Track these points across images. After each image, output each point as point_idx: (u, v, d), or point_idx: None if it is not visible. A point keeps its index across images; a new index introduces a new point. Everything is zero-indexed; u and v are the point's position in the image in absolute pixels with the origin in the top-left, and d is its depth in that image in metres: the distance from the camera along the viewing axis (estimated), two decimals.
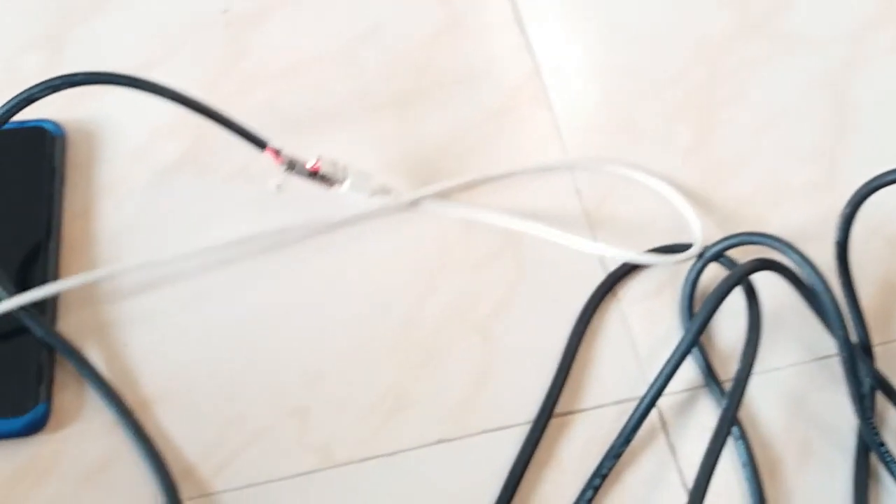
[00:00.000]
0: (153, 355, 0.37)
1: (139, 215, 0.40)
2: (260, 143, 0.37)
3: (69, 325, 0.37)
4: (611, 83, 0.45)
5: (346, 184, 0.38)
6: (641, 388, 0.36)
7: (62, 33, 0.44)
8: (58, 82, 0.34)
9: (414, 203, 0.41)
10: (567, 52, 0.46)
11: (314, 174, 0.38)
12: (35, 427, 0.35)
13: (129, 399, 0.36)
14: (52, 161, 0.40)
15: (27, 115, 0.39)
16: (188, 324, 0.38)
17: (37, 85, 0.34)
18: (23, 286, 0.37)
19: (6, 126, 0.38)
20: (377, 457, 0.36)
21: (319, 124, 0.43)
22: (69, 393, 0.36)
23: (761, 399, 0.37)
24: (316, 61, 0.45)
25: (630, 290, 0.39)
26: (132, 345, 0.37)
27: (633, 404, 0.36)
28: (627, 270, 0.39)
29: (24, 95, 0.34)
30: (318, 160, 0.38)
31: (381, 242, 0.40)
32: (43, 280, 0.37)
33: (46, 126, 0.40)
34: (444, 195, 0.41)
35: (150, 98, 0.38)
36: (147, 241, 0.39)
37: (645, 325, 0.39)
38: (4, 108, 0.35)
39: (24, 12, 0.45)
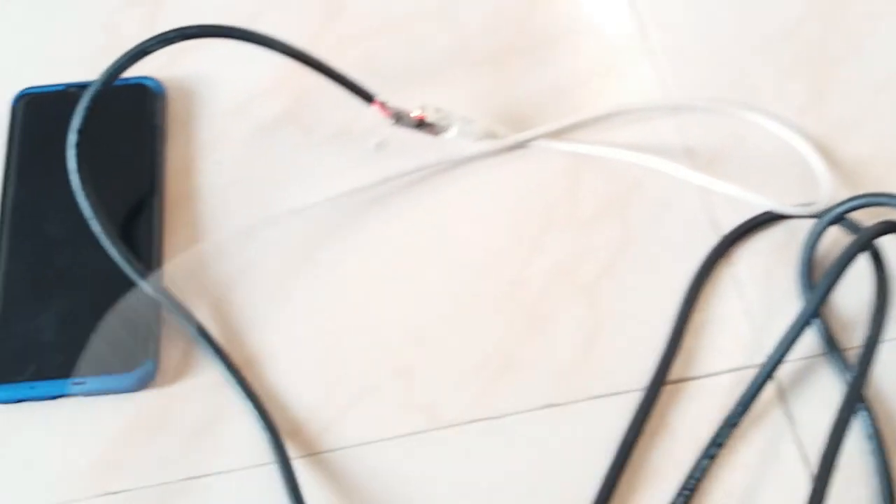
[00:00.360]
0: (258, 313, 0.37)
1: (240, 172, 0.40)
2: (367, 97, 0.37)
3: (175, 282, 0.38)
4: (719, 39, 0.43)
5: (454, 130, 0.38)
6: (757, 356, 0.35)
7: None
8: (171, 35, 0.34)
9: (520, 146, 0.40)
10: (672, 7, 0.44)
11: (421, 123, 0.37)
12: (143, 382, 0.35)
13: (236, 356, 0.36)
14: (153, 118, 0.40)
15: (129, 72, 0.39)
16: (292, 281, 0.38)
17: (150, 38, 0.34)
18: (129, 243, 0.37)
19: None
20: (484, 419, 0.35)
21: (417, 80, 0.42)
22: (176, 349, 0.36)
23: (886, 369, 0.35)
24: (413, 17, 0.44)
25: (744, 254, 0.38)
26: (237, 302, 0.37)
27: (749, 372, 0.35)
28: (741, 233, 0.38)
29: (139, 49, 0.34)
30: (422, 109, 0.37)
31: (484, 195, 0.39)
32: (148, 236, 0.38)
33: (148, 83, 0.40)
34: (552, 135, 0.40)
35: (247, 56, 0.38)
36: (249, 199, 0.39)
37: (760, 290, 0.37)
38: (119, 62, 0.35)
39: None
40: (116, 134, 0.39)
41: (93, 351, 0.35)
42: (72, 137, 0.36)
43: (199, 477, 0.34)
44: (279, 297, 0.37)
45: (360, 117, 0.40)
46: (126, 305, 0.36)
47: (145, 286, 0.36)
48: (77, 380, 0.35)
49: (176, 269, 0.38)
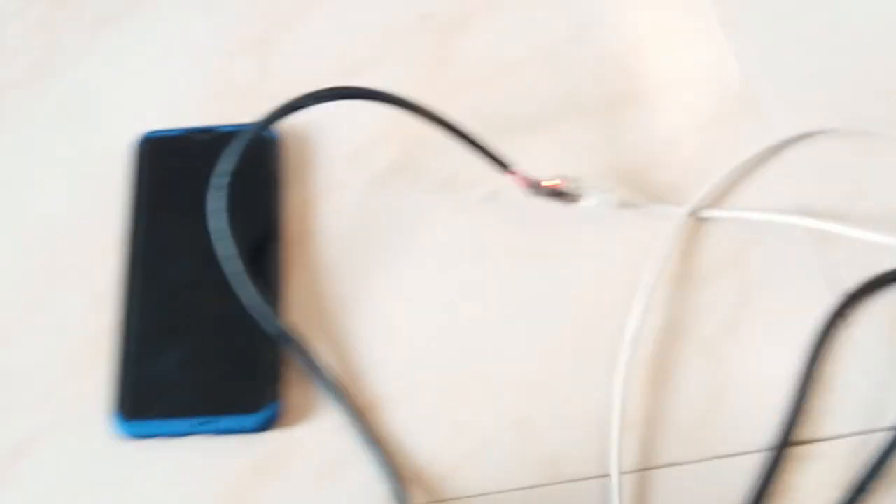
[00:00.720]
0: (379, 356, 0.38)
1: (355, 219, 0.41)
2: (504, 166, 0.37)
3: (296, 324, 0.38)
4: (831, 87, 0.44)
5: (591, 199, 0.38)
6: (883, 418, 0.35)
7: (269, 38, 0.45)
8: (323, 95, 0.35)
9: (649, 212, 0.40)
10: (778, 57, 0.45)
11: (556, 192, 0.38)
12: (268, 424, 0.36)
13: (358, 400, 0.37)
14: (269, 165, 0.41)
15: (240, 119, 0.41)
16: (412, 327, 0.38)
17: (305, 95, 0.36)
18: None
19: (223, 129, 0.40)
20: (605, 475, 0.35)
21: (526, 130, 0.43)
22: (299, 392, 0.37)
23: None
24: (520, 65, 0.45)
25: (866, 311, 0.38)
26: (358, 346, 0.38)
27: (877, 435, 0.35)
28: (863, 290, 0.38)
29: (290, 104, 0.35)
30: (558, 179, 0.38)
31: (604, 251, 0.40)
32: (270, 280, 0.38)
33: (265, 131, 0.41)
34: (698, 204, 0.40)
35: (356, 105, 0.39)
36: (365, 245, 0.40)
37: (882, 350, 0.37)
38: (275, 113, 0.36)
39: (232, 18, 0.46)
40: (235, 179, 0.40)
41: (219, 391, 0.36)
42: (223, 179, 0.37)
43: None
44: (399, 342, 0.38)
45: (466, 168, 0.41)
46: (252, 347, 0.37)
47: (273, 328, 0.37)
48: (203, 419, 0.36)
49: (296, 312, 0.38)
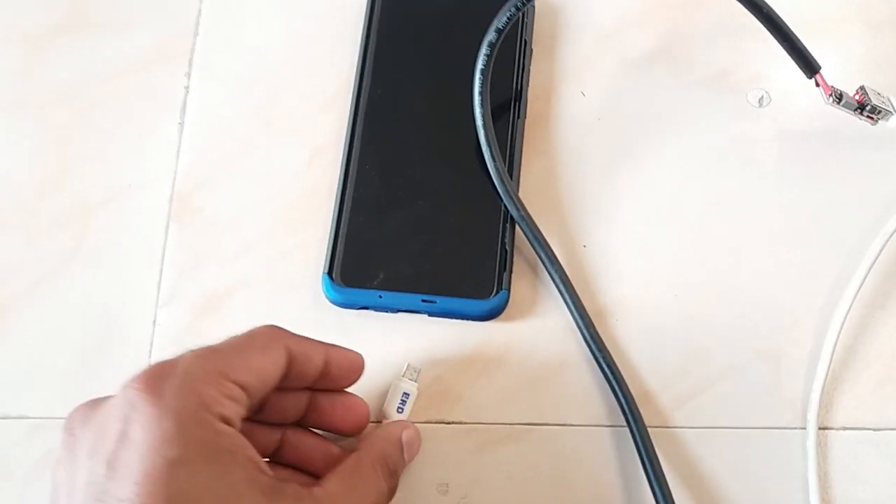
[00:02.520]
0: (614, 264, 0.34)
1: (603, 107, 0.37)
2: (812, 68, 0.32)
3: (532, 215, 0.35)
4: None
5: (895, 118, 0.33)
6: None
7: None
8: None
9: None
10: None
11: (861, 107, 0.33)
12: (494, 313, 0.33)
13: (588, 305, 0.33)
14: (524, 32, 0.37)
15: None
16: (653, 235, 0.34)
17: None
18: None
19: None
20: (860, 429, 0.32)
21: (812, 33, 0.35)
22: (526, 284, 0.34)
23: None
24: None
25: None
26: (595, 248, 0.34)
27: None
28: None
29: None
30: (860, 91, 0.33)
31: (886, 180, 0.35)
32: (510, 160, 0.35)
33: None
34: None
35: None
36: (611, 137, 0.36)
37: None
38: None
39: None
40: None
41: (449, 270, 0.33)
42: (491, 35, 0.33)
43: (538, 424, 0.32)
44: (641, 253, 0.34)
45: (738, 65, 0.37)
46: (487, 228, 0.34)
47: (516, 210, 0.33)
48: (428, 297, 0.33)
49: (531, 202, 0.34)
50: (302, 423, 0.30)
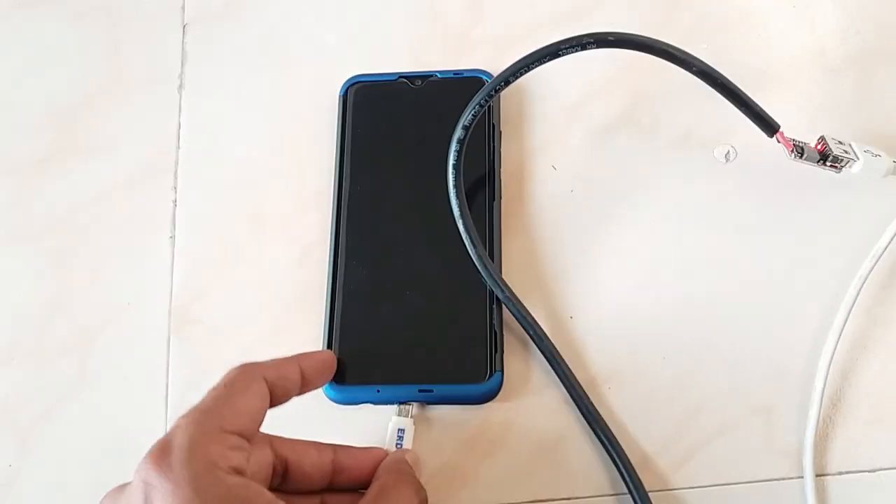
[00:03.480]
0: (600, 332, 0.35)
1: (576, 178, 0.38)
2: (770, 128, 0.33)
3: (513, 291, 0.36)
4: None
5: (857, 165, 0.34)
6: None
7: None
8: (587, 41, 0.31)
9: None
10: None
11: (823, 157, 0.34)
12: (490, 395, 0.34)
13: (580, 376, 0.34)
14: (491, 115, 0.38)
15: (463, 63, 0.39)
16: (637, 299, 0.35)
17: (565, 40, 0.32)
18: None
19: (445, 75, 0.38)
20: (856, 472, 0.32)
21: (772, 82, 0.38)
22: (518, 362, 0.35)
23: None
24: (768, 13, 0.40)
25: None
26: (580, 321, 0.35)
27: None
28: None
29: (551, 49, 0.32)
30: (821, 141, 0.34)
31: (859, 223, 0.35)
32: (489, 243, 0.36)
33: (485, 77, 0.38)
34: None
35: (580, 58, 0.35)
36: (587, 208, 0.37)
37: None
38: (524, 61, 0.33)
39: None
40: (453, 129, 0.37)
41: (442, 358, 0.34)
42: (459, 132, 0.34)
43: (544, 501, 0.33)
44: (626, 319, 0.35)
45: (702, 123, 0.38)
46: (474, 312, 0.35)
47: (501, 291, 0.34)
48: (424, 387, 0.34)
49: (514, 279, 0.35)
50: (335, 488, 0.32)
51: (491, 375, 0.34)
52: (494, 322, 0.35)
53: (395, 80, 0.39)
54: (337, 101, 0.39)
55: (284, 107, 0.40)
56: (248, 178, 0.39)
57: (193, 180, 0.39)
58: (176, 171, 0.39)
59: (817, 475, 0.32)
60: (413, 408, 0.34)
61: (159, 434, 0.35)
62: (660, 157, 0.38)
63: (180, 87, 0.41)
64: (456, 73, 0.39)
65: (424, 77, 0.39)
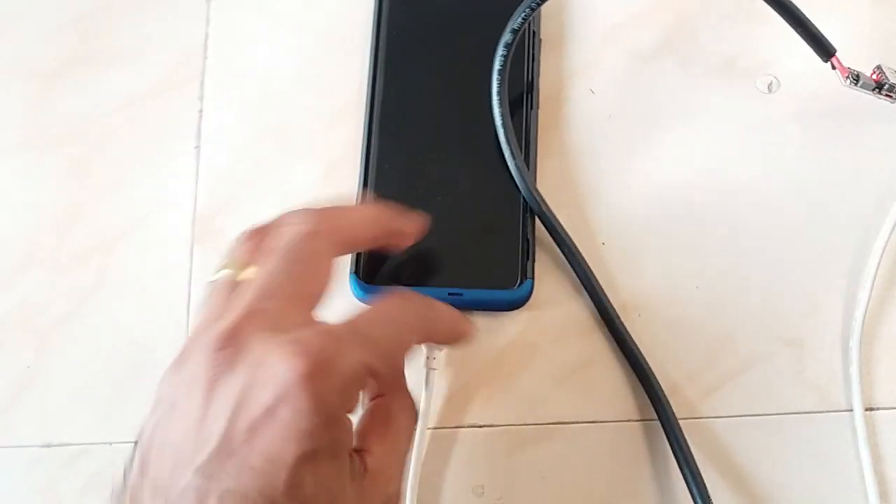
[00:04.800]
0: (633, 259, 0.34)
1: (614, 104, 0.37)
2: (826, 51, 0.32)
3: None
4: None
5: None
6: None
7: None
8: None
9: None
10: None
11: (879, 85, 0.33)
12: (520, 302, 0.34)
13: (613, 299, 0.33)
14: (532, 22, 0.36)
15: None
16: (669, 230, 0.35)
17: None
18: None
19: None
20: (887, 409, 0.32)
21: (821, 12, 0.35)
22: (549, 275, 0.34)
23: None
24: None
25: None
26: (610, 245, 0.35)
27: None
28: None
29: None
30: (877, 70, 0.33)
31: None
32: (525, 159, 0.35)
33: None
34: None
35: None
36: (623, 135, 0.36)
37: None
38: None
39: None
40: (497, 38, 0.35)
41: (473, 263, 0.34)
42: (507, 36, 0.33)
43: (569, 423, 0.33)
44: (659, 248, 0.34)
45: (745, 52, 0.37)
46: (507, 220, 0.34)
47: (534, 206, 0.34)
48: (454, 290, 0.33)
49: (548, 197, 0.35)
50: None
51: (522, 283, 0.33)
52: (528, 231, 0.34)
53: None
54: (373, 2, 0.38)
55: (316, 16, 0.39)
56: (276, 90, 0.38)
57: (220, 91, 0.38)
58: (202, 82, 0.38)
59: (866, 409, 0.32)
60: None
61: (179, 343, 0.35)
62: (701, 84, 0.37)
63: None
64: None
65: None
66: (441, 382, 0.34)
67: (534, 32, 0.37)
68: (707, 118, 0.36)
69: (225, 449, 0.24)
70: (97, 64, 0.39)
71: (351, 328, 0.26)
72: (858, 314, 0.32)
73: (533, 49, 0.36)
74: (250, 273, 0.27)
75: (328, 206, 0.29)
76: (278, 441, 0.24)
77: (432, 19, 0.37)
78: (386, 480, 0.27)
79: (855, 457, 0.32)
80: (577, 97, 0.37)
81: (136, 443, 0.26)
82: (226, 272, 0.28)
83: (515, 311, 0.34)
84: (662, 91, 0.37)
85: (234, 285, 0.27)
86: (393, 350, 0.27)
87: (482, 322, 0.34)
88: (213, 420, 0.24)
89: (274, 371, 0.24)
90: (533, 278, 0.34)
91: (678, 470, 0.31)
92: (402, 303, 0.28)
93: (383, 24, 0.37)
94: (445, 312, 0.30)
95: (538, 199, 0.34)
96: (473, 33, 0.36)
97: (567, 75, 0.37)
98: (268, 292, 0.26)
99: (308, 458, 0.24)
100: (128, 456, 0.26)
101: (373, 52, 0.37)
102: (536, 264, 0.34)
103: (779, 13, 0.32)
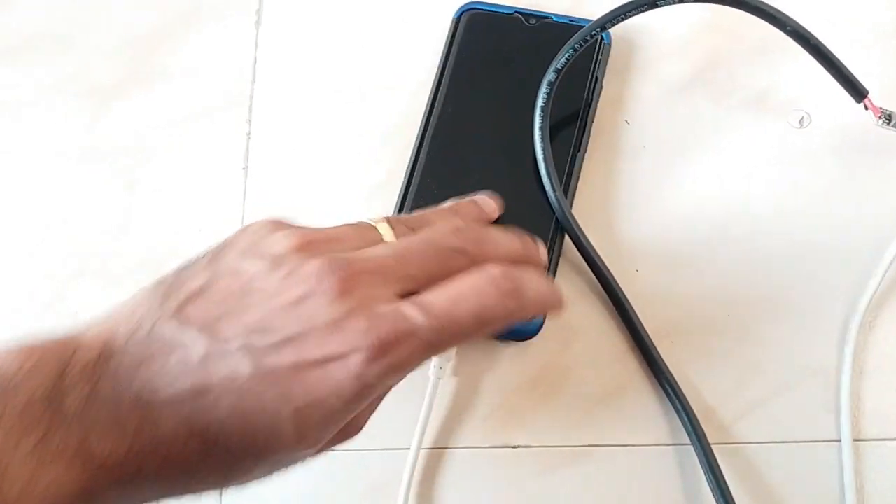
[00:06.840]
0: (666, 287, 0.36)
1: (647, 133, 0.38)
2: (859, 92, 0.34)
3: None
4: None
5: None
6: None
7: None
8: None
9: None
10: None
11: None
12: (527, 334, 0.34)
13: (647, 324, 0.34)
14: (596, 68, 0.38)
15: (584, 12, 0.38)
16: (705, 258, 0.36)
17: None
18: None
19: (560, 19, 0.38)
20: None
21: (851, 52, 0.36)
22: (583, 309, 0.35)
23: None
24: None
25: None
26: (644, 273, 0.36)
27: None
28: None
29: (636, 2, 0.32)
30: None
31: None
32: (565, 192, 0.36)
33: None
34: None
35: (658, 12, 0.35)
36: (657, 162, 0.37)
37: None
38: (622, 8, 0.33)
39: None
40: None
41: None
42: (550, 75, 0.35)
43: (602, 446, 0.34)
44: (692, 276, 0.35)
45: (777, 87, 0.38)
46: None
47: (573, 233, 0.35)
48: None
49: (586, 229, 0.36)
50: None
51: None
52: (554, 257, 0.35)
53: (511, 13, 0.39)
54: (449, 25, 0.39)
55: (364, 42, 0.41)
56: (321, 113, 0.39)
57: (267, 114, 0.40)
58: (251, 105, 0.40)
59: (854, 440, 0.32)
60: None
61: None
62: (733, 117, 0.38)
63: (257, 22, 0.41)
64: (571, 19, 0.38)
65: (540, 17, 0.39)
66: (469, 399, 0.35)
67: (596, 78, 0.38)
68: (739, 150, 0.37)
69: (274, 317, 0.26)
70: (150, 84, 0.41)
71: (436, 314, 0.27)
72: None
73: (592, 92, 0.38)
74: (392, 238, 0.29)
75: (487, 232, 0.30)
76: (297, 325, 0.25)
77: (502, 49, 0.39)
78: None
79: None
80: (612, 127, 0.38)
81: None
82: (386, 226, 0.29)
83: (547, 336, 0.35)
84: (696, 123, 0.38)
85: (375, 236, 0.29)
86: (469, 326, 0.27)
87: (515, 347, 0.35)
88: (256, 281, 0.26)
89: (316, 269, 0.26)
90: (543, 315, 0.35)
91: (710, 494, 0.32)
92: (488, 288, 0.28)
93: (454, 46, 0.39)
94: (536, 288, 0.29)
95: (575, 226, 0.35)
96: (536, 70, 0.37)
97: (603, 106, 0.38)
98: (401, 260, 0.27)
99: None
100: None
101: (439, 69, 0.39)
102: (572, 296, 0.35)
103: (812, 55, 0.34)
